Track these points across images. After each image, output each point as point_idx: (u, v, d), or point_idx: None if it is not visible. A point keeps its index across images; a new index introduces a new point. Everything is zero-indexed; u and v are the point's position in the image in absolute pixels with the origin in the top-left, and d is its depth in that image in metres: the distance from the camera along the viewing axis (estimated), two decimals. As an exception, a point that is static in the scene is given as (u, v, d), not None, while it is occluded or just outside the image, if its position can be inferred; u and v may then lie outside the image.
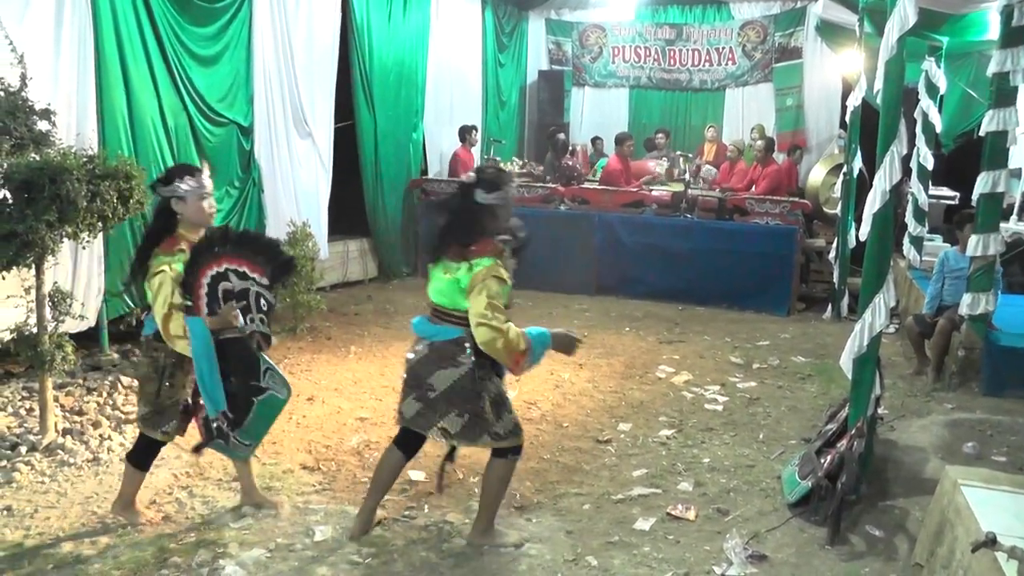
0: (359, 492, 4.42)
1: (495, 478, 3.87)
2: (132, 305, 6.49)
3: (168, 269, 3.68)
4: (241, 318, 3.80)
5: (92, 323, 6.27)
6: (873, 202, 4.42)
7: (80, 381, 5.84)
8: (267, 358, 4.04)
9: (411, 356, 3.90)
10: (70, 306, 4.83)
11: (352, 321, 8.04)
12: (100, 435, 4.96)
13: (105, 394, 5.68)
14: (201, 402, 3.93)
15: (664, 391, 6.34)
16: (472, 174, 3.93)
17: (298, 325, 7.43)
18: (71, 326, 5.10)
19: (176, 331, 3.68)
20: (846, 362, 4.57)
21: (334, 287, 9.28)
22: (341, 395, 5.97)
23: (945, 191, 10.21)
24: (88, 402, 5.50)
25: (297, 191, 8.50)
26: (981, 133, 6.12)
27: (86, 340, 6.30)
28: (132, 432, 5.05)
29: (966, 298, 6.14)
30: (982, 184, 6.04)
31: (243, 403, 3.95)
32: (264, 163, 8.04)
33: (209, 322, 3.71)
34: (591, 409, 5.88)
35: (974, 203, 6.25)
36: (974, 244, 6.08)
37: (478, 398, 3.72)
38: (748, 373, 6.85)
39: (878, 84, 4.59)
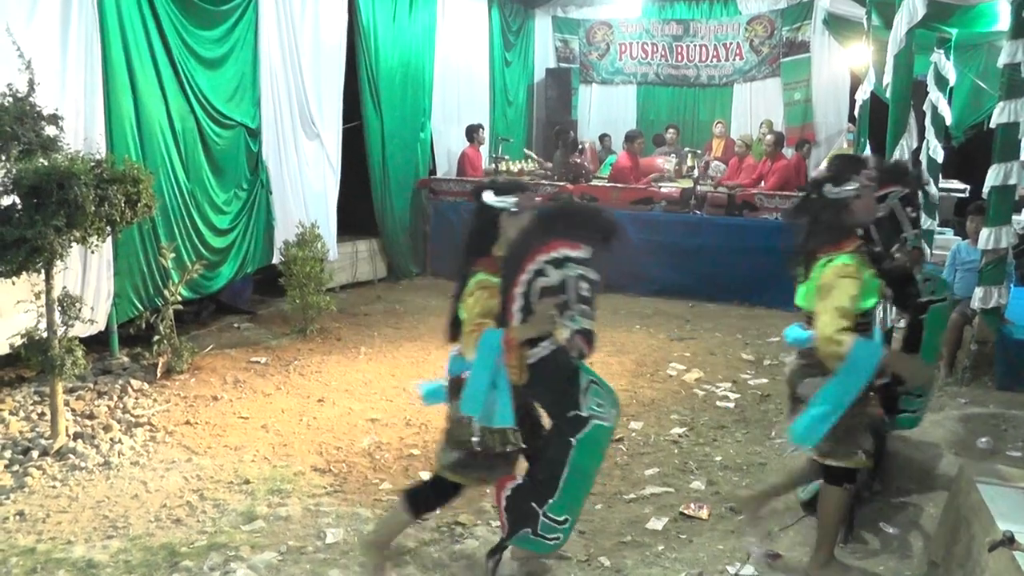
0: (370, 494, 4.42)
1: (827, 508, 3.58)
2: (141, 309, 6.51)
3: (489, 287, 3.27)
4: (559, 316, 3.22)
5: (102, 327, 6.28)
6: None
7: (90, 385, 5.86)
8: (589, 368, 3.40)
9: (785, 367, 3.68)
10: (79, 310, 4.83)
11: (362, 322, 8.04)
12: (111, 439, 4.97)
13: (116, 397, 5.69)
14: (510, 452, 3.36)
15: (675, 389, 6.32)
16: (823, 167, 3.53)
17: (308, 326, 7.43)
18: (81, 330, 5.10)
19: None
20: None
21: (344, 288, 9.28)
22: (352, 396, 5.96)
23: (955, 184, 10.14)
24: (99, 406, 5.51)
25: (305, 192, 8.51)
26: (992, 125, 6.05)
27: (96, 344, 6.31)
28: (143, 435, 5.07)
29: (978, 291, 6.07)
30: (993, 176, 5.97)
31: (557, 450, 3.33)
32: (272, 165, 8.03)
33: (520, 331, 3.19)
34: (602, 408, 5.85)
35: (985, 196, 6.19)
36: (986, 237, 6.01)
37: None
38: (759, 370, 6.82)
39: (887, 77, 4.56)
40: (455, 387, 3.38)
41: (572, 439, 3.28)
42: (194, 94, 7.04)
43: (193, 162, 7.13)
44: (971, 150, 10.15)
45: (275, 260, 7.92)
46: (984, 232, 6.04)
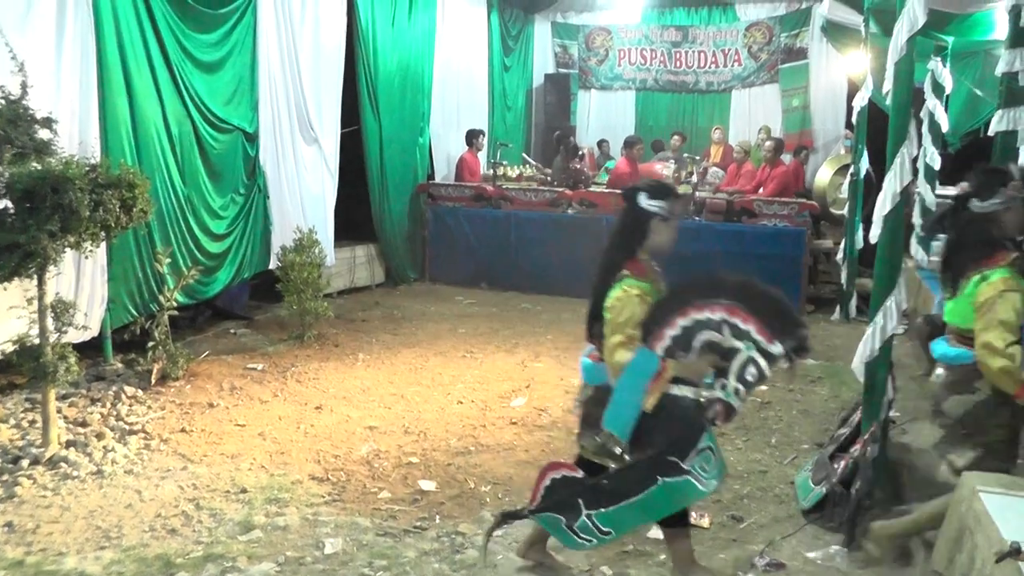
0: (369, 503, 4.37)
1: None
2: (136, 315, 6.45)
3: (639, 293, 3.27)
4: (712, 377, 3.19)
5: (96, 333, 6.23)
6: (884, 204, 4.34)
7: (84, 392, 5.79)
8: (713, 436, 3.32)
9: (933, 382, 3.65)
10: (72, 316, 4.77)
11: (360, 328, 7.98)
12: (104, 447, 4.90)
13: (109, 404, 5.62)
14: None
15: (675, 395, 6.26)
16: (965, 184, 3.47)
17: (306, 332, 7.36)
18: (74, 336, 5.05)
19: (623, 364, 3.22)
20: (858, 366, 4.45)
21: (341, 293, 9.22)
22: (350, 403, 5.90)
23: (952, 190, 10.11)
24: (92, 413, 5.44)
25: (303, 197, 8.46)
26: (991, 133, 6.04)
27: (90, 350, 6.26)
28: (137, 443, 5.01)
29: None
30: None
31: (640, 478, 3.27)
32: (269, 170, 7.98)
33: (673, 367, 3.17)
34: (602, 415, 5.81)
35: None
36: None
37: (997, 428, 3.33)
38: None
39: (887, 85, 4.51)
40: (599, 399, 3.39)
41: (659, 478, 3.22)
42: (191, 98, 6.99)
43: (190, 166, 7.07)
44: (967, 157, 10.12)
45: (272, 265, 7.86)
46: None
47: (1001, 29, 7.93)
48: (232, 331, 7.69)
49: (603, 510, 3.31)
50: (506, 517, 3.62)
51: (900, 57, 4.30)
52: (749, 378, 3.11)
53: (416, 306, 8.99)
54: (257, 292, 8.45)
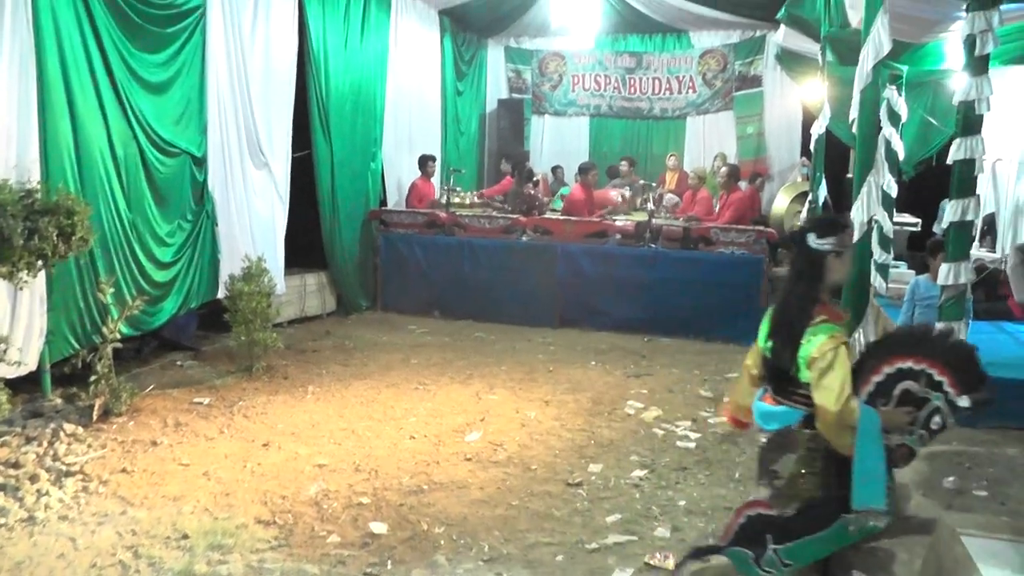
0: (317, 548, 4.16)
1: None
2: (77, 347, 6.16)
3: (844, 339, 3.19)
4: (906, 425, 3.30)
5: (32, 367, 5.87)
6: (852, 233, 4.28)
7: (18, 430, 5.43)
8: (895, 475, 3.42)
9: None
10: (5, 351, 4.52)
11: (310, 359, 7.75)
12: (38, 490, 4.61)
13: (46, 443, 5.29)
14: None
15: (634, 428, 6.14)
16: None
17: (254, 364, 7.12)
18: (6, 372, 4.77)
19: (852, 421, 3.13)
20: None
21: (291, 322, 8.99)
22: (298, 439, 5.68)
23: (908, 218, 10.21)
24: (26, 453, 5.12)
25: (253, 224, 8.22)
26: (948, 161, 6.07)
27: (27, 384, 5.94)
28: (74, 486, 4.74)
29: (938, 327, 6.03)
30: (951, 213, 5.96)
31: (829, 515, 3.31)
32: (218, 195, 7.74)
33: (884, 417, 3.21)
34: (560, 450, 5.66)
35: (940, 232, 6.17)
36: (945, 272, 5.98)
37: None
38: (719, 407, 6.68)
39: (853, 112, 4.49)
40: (778, 443, 3.46)
41: (845, 515, 3.26)
42: (137, 119, 6.73)
43: (135, 191, 6.81)
44: (921, 185, 10.24)
45: (220, 295, 7.58)
46: (943, 267, 6.01)
47: (951, 59, 8.08)
48: (179, 363, 7.41)
49: (789, 545, 3.36)
50: (698, 553, 3.67)
51: (865, 84, 4.29)
52: (934, 427, 3.25)
53: (368, 335, 8.79)
54: (205, 322, 8.16)
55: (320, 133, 9.20)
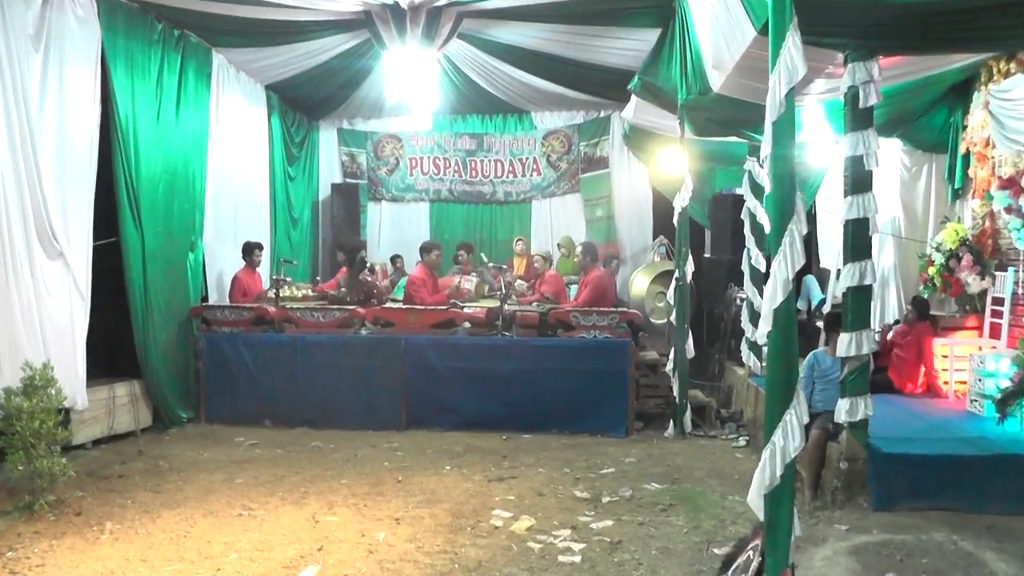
0: None
1: None
2: None
3: None
4: None
5: None
6: (774, 295, 3.82)
7: None
8: None
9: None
10: None
11: (114, 487, 6.44)
12: None
13: None
14: None
15: (505, 544, 5.29)
16: None
17: (37, 499, 5.75)
18: None
19: None
20: (755, 500, 3.93)
21: (97, 443, 7.66)
22: (85, 600, 4.45)
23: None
24: None
25: (43, 325, 6.91)
26: (840, 221, 5.79)
27: None
28: None
29: (843, 403, 5.76)
30: (848, 277, 5.66)
31: None
32: (-3, 291, 6.46)
33: None
34: (419, 580, 4.73)
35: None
36: (846, 343, 5.64)
37: None
38: (600, 509, 6.00)
39: (764, 149, 4.04)
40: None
41: None
42: None
43: None
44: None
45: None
46: (844, 338, 5.72)
47: (807, 130, 7.97)
48: (-60, 503, 5.96)
49: None
50: None
51: (780, 114, 3.86)
52: None
53: (188, 453, 7.57)
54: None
55: (129, 218, 8.06)
